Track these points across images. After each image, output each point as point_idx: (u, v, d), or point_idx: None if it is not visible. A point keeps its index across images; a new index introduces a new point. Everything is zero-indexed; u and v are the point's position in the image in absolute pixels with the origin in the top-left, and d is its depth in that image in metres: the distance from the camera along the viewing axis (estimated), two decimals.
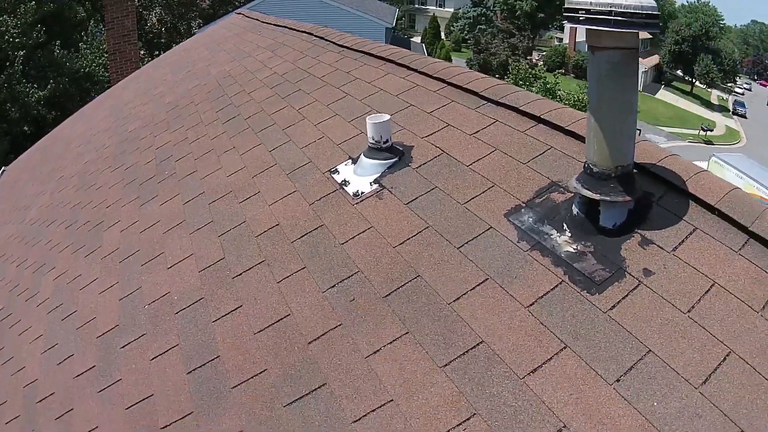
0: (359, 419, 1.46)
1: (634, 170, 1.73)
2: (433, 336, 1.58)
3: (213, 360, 1.86)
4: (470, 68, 2.97)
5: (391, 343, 1.61)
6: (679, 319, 1.41)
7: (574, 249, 1.66)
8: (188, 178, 3.20)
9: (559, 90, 26.13)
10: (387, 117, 2.35)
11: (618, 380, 1.33)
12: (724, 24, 57.72)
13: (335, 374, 1.60)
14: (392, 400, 1.47)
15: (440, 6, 56.07)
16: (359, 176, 2.39)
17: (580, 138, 2.03)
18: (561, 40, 52.96)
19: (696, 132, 39.17)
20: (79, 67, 17.62)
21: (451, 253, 1.83)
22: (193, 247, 2.51)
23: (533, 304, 1.56)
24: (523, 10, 44.61)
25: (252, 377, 1.72)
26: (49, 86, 15.99)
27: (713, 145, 36.81)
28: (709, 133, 39.32)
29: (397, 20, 29.57)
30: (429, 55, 24.97)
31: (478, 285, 1.68)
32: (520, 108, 2.38)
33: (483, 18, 46.56)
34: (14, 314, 3.14)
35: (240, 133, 3.43)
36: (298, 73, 3.93)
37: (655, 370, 1.32)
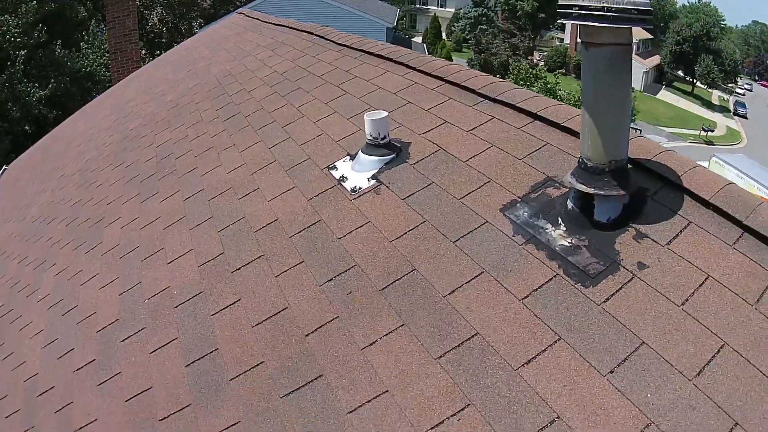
0: (355, 410, 1.48)
1: (629, 165, 1.74)
2: (429, 328, 1.60)
3: (211, 353, 1.88)
4: (471, 68, 2.98)
5: (386, 335, 1.63)
6: (673, 312, 1.42)
7: (568, 243, 1.67)
8: (188, 175, 3.22)
9: (560, 90, 26.14)
10: (385, 114, 2.37)
11: (611, 372, 1.34)
12: (725, 24, 57.73)
13: (332, 366, 1.62)
14: (387, 391, 1.48)
15: (441, 6, 56.10)
16: (357, 172, 2.40)
17: (576, 134, 2.04)
18: (562, 40, 52.97)
19: (697, 132, 39.16)
20: (80, 66, 17.65)
21: (447, 247, 1.84)
22: (193, 242, 2.52)
23: (528, 296, 1.58)
24: (524, 11, 44.62)
25: (250, 369, 1.74)
26: (50, 86, 16.01)
27: (714, 145, 36.80)
28: (709, 133, 39.31)
29: (398, 20, 29.60)
30: (430, 55, 24.97)
31: (473, 278, 1.69)
32: (517, 105, 2.40)
33: (484, 18, 46.54)
34: (15, 310, 3.16)
35: (240, 130, 3.44)
36: (298, 72, 3.95)
37: (648, 361, 1.33)
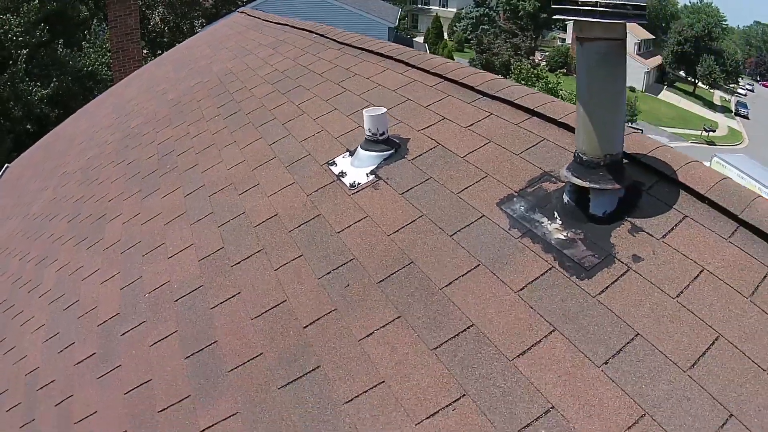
0: (351, 400, 1.49)
1: (625, 160, 1.75)
2: (425, 320, 1.61)
3: (210, 345, 1.89)
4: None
5: (383, 326, 1.65)
6: (668, 304, 1.43)
7: (564, 236, 1.69)
8: (189, 172, 3.24)
9: (561, 90, 26.13)
10: (383, 110, 2.38)
11: (606, 363, 1.35)
12: (727, 25, 57.65)
13: (329, 357, 1.64)
14: (384, 382, 1.50)
15: (443, 6, 56.10)
16: (356, 168, 2.42)
17: (573, 130, 2.06)
18: (564, 40, 52.95)
19: (698, 133, 39.11)
20: (82, 65, 17.67)
21: (444, 241, 1.86)
22: (194, 237, 2.54)
23: (523, 289, 1.59)
24: (525, 11, 44.58)
25: (248, 361, 1.76)
26: (52, 84, 16.04)
27: (715, 145, 36.78)
28: (711, 133, 39.27)
29: (399, 20, 29.59)
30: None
31: (469, 271, 1.71)
32: (515, 101, 2.41)
33: (486, 18, 46.52)
34: (17, 305, 3.18)
35: (241, 128, 3.46)
36: (299, 70, 3.97)
37: (643, 353, 1.34)
